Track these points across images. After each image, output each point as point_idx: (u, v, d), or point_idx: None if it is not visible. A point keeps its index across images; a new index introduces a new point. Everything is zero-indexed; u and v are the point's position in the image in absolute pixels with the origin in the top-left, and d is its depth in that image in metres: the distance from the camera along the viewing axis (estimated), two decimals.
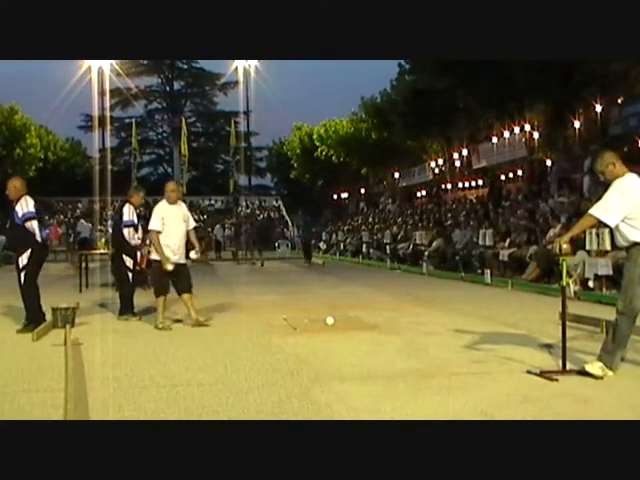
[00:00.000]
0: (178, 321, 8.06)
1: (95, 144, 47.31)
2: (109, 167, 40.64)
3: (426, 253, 17.61)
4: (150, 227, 7.72)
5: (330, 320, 7.69)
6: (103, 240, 15.36)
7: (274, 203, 49.03)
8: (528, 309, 9.22)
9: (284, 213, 45.68)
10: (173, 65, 58.81)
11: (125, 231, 8.33)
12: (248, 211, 42.95)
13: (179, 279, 7.81)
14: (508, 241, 14.54)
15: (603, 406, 4.22)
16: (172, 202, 7.85)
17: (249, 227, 30.93)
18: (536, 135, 21.98)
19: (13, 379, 5.10)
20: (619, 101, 18.97)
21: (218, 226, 32.98)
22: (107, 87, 43.83)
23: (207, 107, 61.22)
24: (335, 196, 44.66)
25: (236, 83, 51.59)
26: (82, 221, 27.91)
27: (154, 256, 7.79)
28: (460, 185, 29.75)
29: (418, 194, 33.97)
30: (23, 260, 7.37)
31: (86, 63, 40.43)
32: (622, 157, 5.15)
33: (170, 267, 7.56)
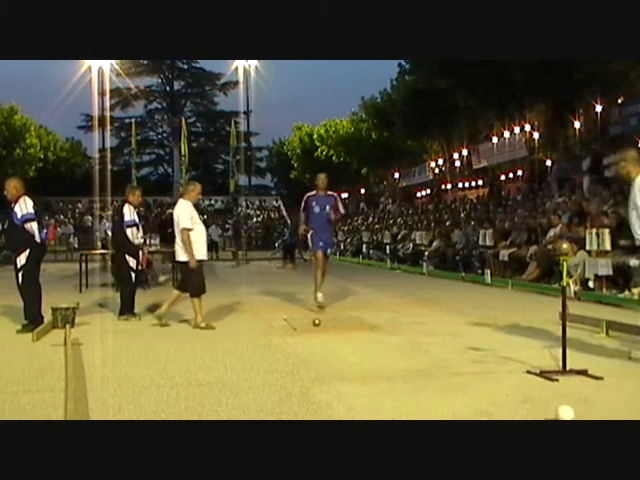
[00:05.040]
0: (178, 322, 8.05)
1: (95, 144, 47.47)
2: (109, 167, 40.67)
3: (426, 253, 17.60)
4: (183, 225, 7.60)
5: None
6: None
7: (274, 203, 48.99)
8: (528, 309, 9.21)
9: (284, 213, 45.67)
10: (173, 65, 58.76)
11: (128, 231, 8.32)
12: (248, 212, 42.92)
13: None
14: (508, 241, 14.53)
15: (603, 406, 4.21)
16: (195, 202, 8.00)
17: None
18: (536, 135, 22.01)
19: (13, 379, 5.09)
20: (619, 101, 18.99)
21: (214, 226, 31.55)
22: (107, 87, 43.96)
23: (207, 107, 61.18)
24: None
25: (236, 83, 51.76)
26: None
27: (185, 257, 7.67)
28: (460, 185, 29.80)
29: (418, 194, 34.01)
30: (21, 260, 7.37)
31: (86, 63, 40.49)
32: None
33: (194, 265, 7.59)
